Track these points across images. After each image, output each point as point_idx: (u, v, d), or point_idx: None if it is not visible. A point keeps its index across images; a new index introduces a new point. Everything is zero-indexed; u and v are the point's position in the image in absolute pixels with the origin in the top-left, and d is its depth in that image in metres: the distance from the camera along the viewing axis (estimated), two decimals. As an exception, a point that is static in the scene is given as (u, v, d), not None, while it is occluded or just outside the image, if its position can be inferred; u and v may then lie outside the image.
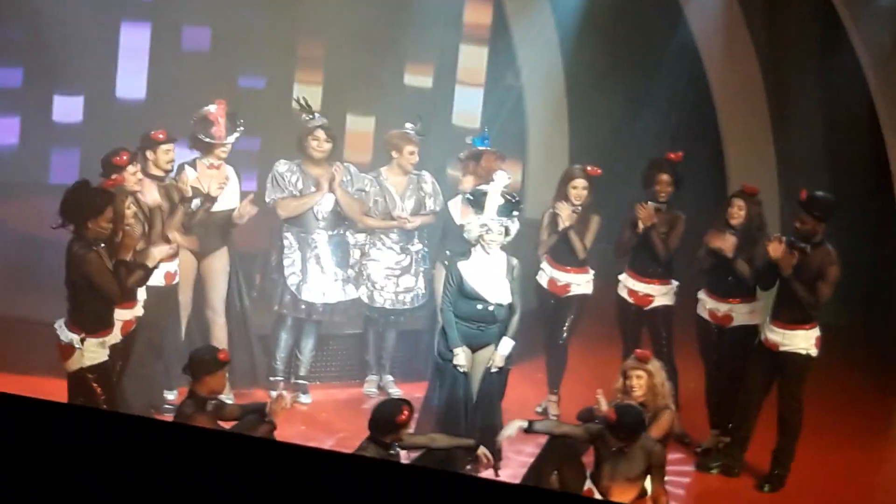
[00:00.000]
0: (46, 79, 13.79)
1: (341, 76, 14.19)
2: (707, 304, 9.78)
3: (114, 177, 8.81)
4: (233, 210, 9.87)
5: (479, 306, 8.99)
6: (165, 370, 9.75)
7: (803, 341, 9.26)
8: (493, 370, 9.02)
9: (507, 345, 9.01)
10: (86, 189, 8.23)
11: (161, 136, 9.40)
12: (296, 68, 14.39)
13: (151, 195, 9.28)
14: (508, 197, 9.06)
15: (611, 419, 8.11)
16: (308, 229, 10.15)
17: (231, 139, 9.78)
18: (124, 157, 9.00)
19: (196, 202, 9.65)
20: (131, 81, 14.13)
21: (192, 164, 9.81)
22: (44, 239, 10.14)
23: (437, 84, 14.58)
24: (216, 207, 9.79)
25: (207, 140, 9.72)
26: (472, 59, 14.65)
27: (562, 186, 10.15)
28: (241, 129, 9.84)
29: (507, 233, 9.03)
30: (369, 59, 13.92)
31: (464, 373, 8.97)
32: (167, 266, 9.37)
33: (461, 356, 8.98)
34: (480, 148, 10.25)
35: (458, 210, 10.17)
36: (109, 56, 13.92)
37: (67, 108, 14.11)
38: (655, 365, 8.78)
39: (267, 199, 10.13)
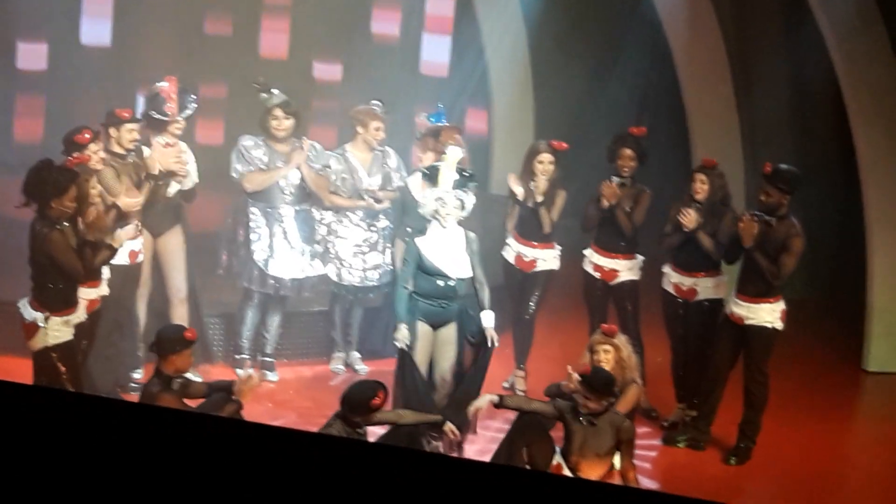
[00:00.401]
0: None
1: (308, 23, 14.17)
2: (672, 279, 9.81)
3: (76, 155, 8.76)
4: (189, 188, 9.82)
5: (440, 282, 8.98)
6: (131, 349, 9.72)
7: (768, 315, 9.29)
8: (496, 345, 9.00)
9: (489, 317, 9.01)
10: (49, 168, 8.20)
11: (126, 114, 9.34)
12: (261, 14, 14.34)
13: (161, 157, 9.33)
14: (462, 170, 9.06)
15: (586, 372, 8.18)
16: (274, 204, 10.12)
17: (185, 115, 9.71)
18: (87, 136, 8.95)
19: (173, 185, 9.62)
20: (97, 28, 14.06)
21: (148, 143, 9.73)
22: (8, 218, 10.07)
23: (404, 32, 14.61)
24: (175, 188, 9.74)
25: (161, 117, 9.65)
26: (440, 6, 14.67)
27: (527, 162, 10.13)
28: (195, 104, 9.78)
29: (462, 206, 9.01)
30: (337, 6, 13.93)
31: (409, 351, 8.92)
32: (131, 244, 9.34)
33: (402, 330, 8.94)
34: (438, 124, 10.23)
35: (417, 186, 10.16)
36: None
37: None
38: (622, 339, 8.82)
39: (233, 174, 10.07)
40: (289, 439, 4.80)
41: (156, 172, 9.45)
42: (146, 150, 9.62)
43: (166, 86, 9.66)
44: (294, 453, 4.62)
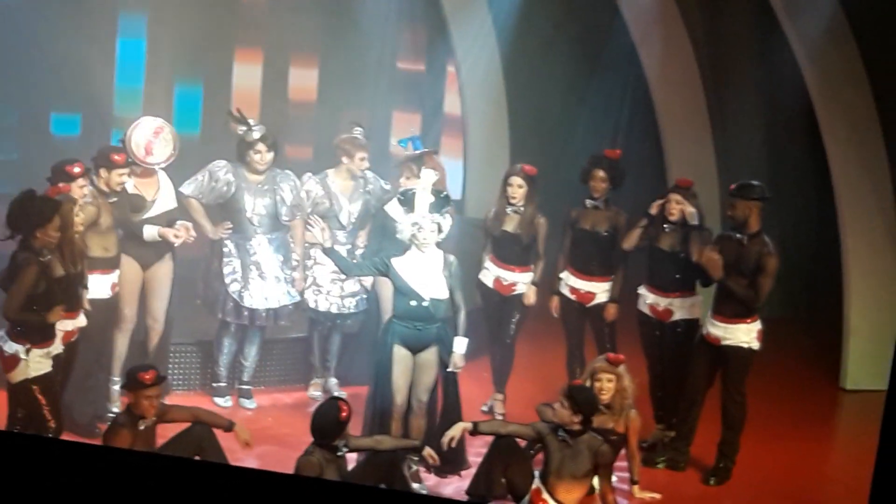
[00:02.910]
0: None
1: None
2: (647, 299, 9.83)
3: (60, 185, 8.77)
4: (171, 211, 9.81)
5: (413, 302, 8.95)
6: (107, 381, 9.68)
7: (745, 335, 9.31)
8: (456, 370, 9.01)
9: (461, 344, 8.98)
10: (32, 198, 8.21)
11: (118, 158, 9.31)
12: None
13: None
14: (438, 192, 9.06)
15: (573, 385, 8.40)
16: (246, 235, 10.10)
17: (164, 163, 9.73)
18: (77, 170, 8.95)
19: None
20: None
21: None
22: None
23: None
24: (156, 211, 9.74)
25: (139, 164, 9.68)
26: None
27: (502, 185, 10.17)
28: (174, 152, 9.77)
29: (439, 230, 9.00)
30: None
31: (391, 367, 8.97)
32: (110, 277, 9.32)
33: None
34: (417, 151, 10.22)
35: (397, 211, 10.16)
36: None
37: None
38: (623, 368, 8.93)
39: (182, 189, 10.01)
40: (266, 481, 4.80)
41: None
42: (129, 182, 9.62)
43: (143, 141, 9.68)
44: (273, 495, 4.62)
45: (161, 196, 9.79)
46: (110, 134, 13.22)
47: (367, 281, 10.40)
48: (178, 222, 9.75)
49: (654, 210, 9.73)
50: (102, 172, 9.31)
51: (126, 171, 9.38)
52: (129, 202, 9.61)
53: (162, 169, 9.79)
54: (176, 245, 9.76)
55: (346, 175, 10.35)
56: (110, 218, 9.30)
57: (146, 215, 9.71)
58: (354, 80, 14.28)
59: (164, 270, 9.86)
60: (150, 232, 9.67)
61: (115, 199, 9.36)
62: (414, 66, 14.93)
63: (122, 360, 9.77)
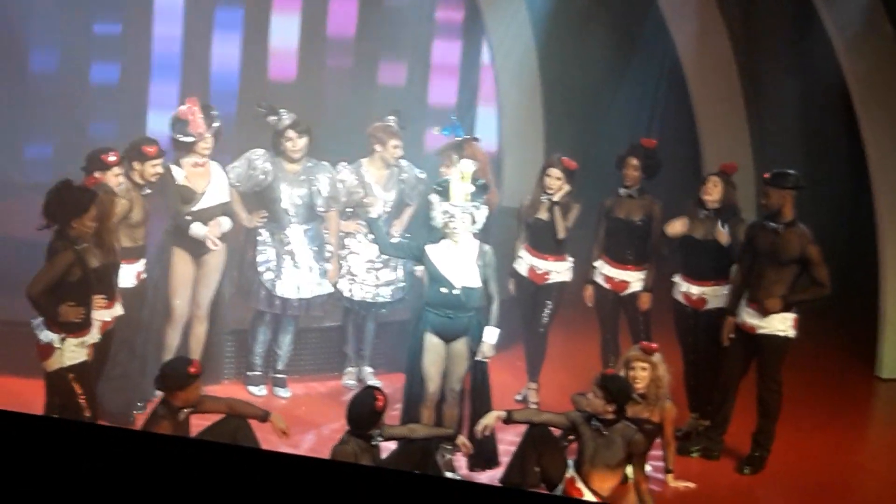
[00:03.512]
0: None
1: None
2: (681, 288, 9.80)
3: (97, 175, 8.81)
4: (225, 204, 9.83)
5: (444, 290, 8.95)
6: (142, 370, 9.68)
7: (780, 323, 9.27)
8: (485, 360, 9.01)
9: (492, 334, 8.98)
10: (69, 188, 8.24)
11: (151, 150, 9.31)
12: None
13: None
14: (476, 181, 9.04)
15: (607, 374, 8.42)
16: (281, 225, 10.11)
17: (211, 132, 9.70)
18: (114, 158, 8.99)
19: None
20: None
21: (178, 163, 9.75)
22: (18, 238, 10.12)
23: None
24: (207, 204, 9.76)
25: (186, 139, 9.66)
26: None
27: (540, 174, 10.15)
28: (218, 121, 9.77)
29: (473, 220, 8.99)
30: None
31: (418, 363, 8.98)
32: (136, 267, 9.34)
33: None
34: (458, 138, 10.18)
35: (434, 199, 10.16)
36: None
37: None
38: (659, 357, 8.90)
39: (230, 176, 10.04)
40: (300, 466, 4.81)
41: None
42: (179, 172, 9.65)
43: (186, 108, 9.68)
44: (307, 480, 4.63)
45: (212, 188, 9.79)
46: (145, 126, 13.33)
47: (402, 270, 10.42)
48: (210, 222, 9.77)
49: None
50: (136, 165, 9.31)
51: (159, 161, 9.39)
52: (178, 193, 9.64)
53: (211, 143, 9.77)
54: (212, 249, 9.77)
55: (380, 164, 10.35)
56: (142, 212, 9.31)
57: (196, 207, 9.73)
58: (388, 67, 14.29)
59: (216, 260, 9.88)
60: (197, 230, 9.67)
61: (149, 190, 9.39)
62: (449, 53, 14.91)
63: (171, 351, 9.80)
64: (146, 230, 9.43)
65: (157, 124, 9.96)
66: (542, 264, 10.23)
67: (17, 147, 14.13)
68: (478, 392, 9.06)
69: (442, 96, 14.77)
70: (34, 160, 13.97)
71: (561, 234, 10.07)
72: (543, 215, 10.13)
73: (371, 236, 10.06)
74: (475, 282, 8.97)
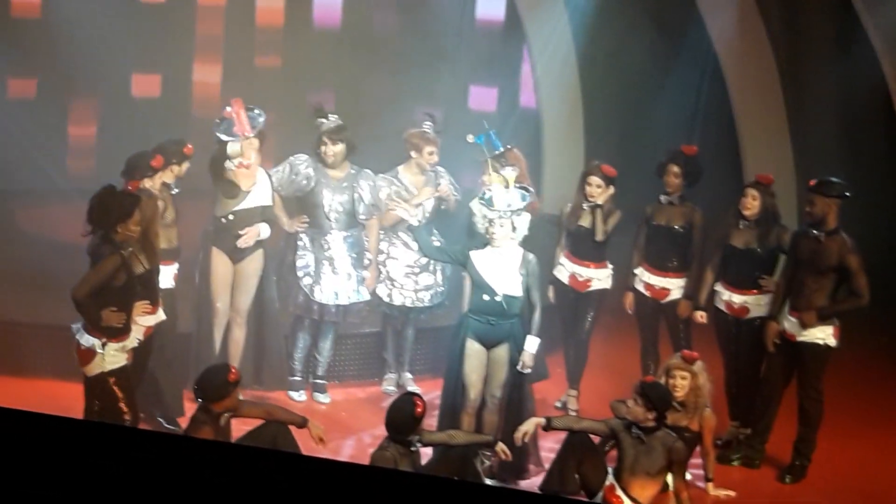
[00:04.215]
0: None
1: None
2: (723, 296, 9.76)
3: (140, 179, 8.88)
4: (266, 208, 9.86)
5: (486, 297, 8.95)
6: (185, 373, 9.73)
7: (821, 332, 9.22)
8: (526, 371, 9.00)
9: (532, 343, 8.97)
10: (113, 193, 8.29)
11: (190, 151, 9.41)
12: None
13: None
14: (521, 187, 9.03)
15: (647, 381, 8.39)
16: (322, 230, 10.13)
17: (255, 132, 9.72)
18: (160, 161, 9.06)
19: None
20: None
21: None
22: (60, 242, 10.17)
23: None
24: (248, 205, 9.78)
25: (231, 139, 9.69)
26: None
27: (580, 182, 10.14)
28: (263, 121, 9.80)
29: (513, 227, 8.99)
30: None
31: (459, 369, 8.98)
32: (172, 269, 9.40)
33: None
34: (497, 151, 10.15)
35: (477, 206, 10.17)
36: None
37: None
38: (700, 365, 8.86)
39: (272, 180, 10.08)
40: (340, 471, 4.82)
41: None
42: (229, 164, 9.68)
43: (230, 108, 9.72)
44: (346, 485, 4.64)
45: (256, 190, 9.81)
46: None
47: (441, 275, 10.42)
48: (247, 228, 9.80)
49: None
50: (174, 166, 9.37)
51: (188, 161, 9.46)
52: (221, 188, 9.67)
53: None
54: (242, 245, 9.80)
55: (416, 170, 10.36)
56: (174, 212, 9.37)
57: (237, 207, 9.76)
58: (428, 76, 14.28)
59: (253, 265, 9.91)
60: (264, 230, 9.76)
61: (177, 190, 9.42)
62: (489, 61, 14.90)
63: (214, 356, 9.84)
64: (178, 231, 9.47)
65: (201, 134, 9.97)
66: (584, 272, 10.21)
67: (61, 153, 14.26)
68: (517, 399, 9.04)
69: (482, 103, 14.76)
70: (78, 166, 14.07)
71: (599, 237, 10.04)
72: (585, 222, 10.11)
73: (412, 246, 10.13)
74: (517, 290, 8.96)
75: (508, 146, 10.24)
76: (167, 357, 9.45)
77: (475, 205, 10.12)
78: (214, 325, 9.91)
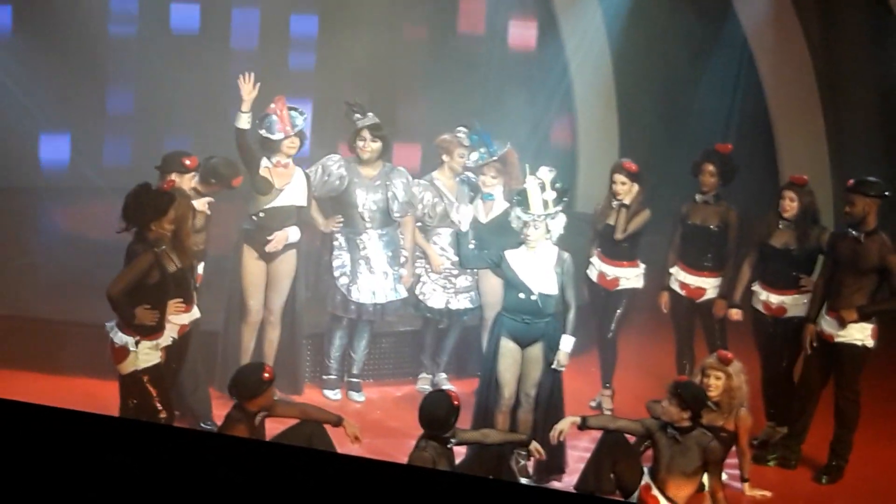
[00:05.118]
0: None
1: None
2: (761, 296, 9.72)
3: (174, 177, 8.91)
4: (300, 208, 9.86)
5: (522, 295, 8.93)
6: (211, 372, 9.76)
7: (859, 332, 9.17)
8: (560, 369, 8.98)
9: (568, 342, 8.95)
10: (148, 191, 8.30)
11: (193, 163, 9.36)
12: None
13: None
14: (554, 189, 8.99)
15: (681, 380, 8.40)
16: (357, 230, 10.14)
17: (296, 131, 9.71)
18: (195, 161, 9.09)
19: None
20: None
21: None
22: (94, 241, 10.19)
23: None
24: (281, 203, 9.79)
25: (272, 137, 9.70)
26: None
27: (610, 181, 10.13)
28: (304, 121, 9.80)
29: (547, 230, 8.96)
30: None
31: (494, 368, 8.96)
32: (198, 269, 9.40)
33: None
34: (496, 156, 10.11)
35: (481, 211, 10.18)
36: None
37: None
38: (736, 367, 8.83)
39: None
40: (375, 470, 4.82)
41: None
42: (265, 163, 9.69)
43: (273, 106, 9.73)
44: (381, 484, 4.63)
45: (290, 189, 9.81)
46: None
47: (476, 276, 10.41)
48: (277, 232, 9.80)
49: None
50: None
51: (192, 175, 9.43)
52: (254, 184, 9.69)
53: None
54: (268, 250, 9.81)
55: (449, 174, 10.38)
56: (203, 218, 9.37)
57: (270, 204, 9.77)
58: (464, 77, 14.29)
59: (286, 265, 9.91)
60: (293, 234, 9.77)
61: (211, 199, 9.43)
62: (525, 62, 14.90)
63: (248, 353, 9.88)
64: (206, 236, 9.48)
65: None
66: (612, 270, 10.19)
67: (97, 152, 14.32)
68: (551, 398, 9.02)
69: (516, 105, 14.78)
70: (113, 165, 14.12)
71: (618, 235, 10.03)
72: (612, 221, 10.10)
73: (448, 249, 10.14)
74: (552, 288, 8.95)
75: (506, 145, 10.20)
76: (193, 356, 9.48)
77: (480, 208, 10.14)
78: (245, 324, 9.91)
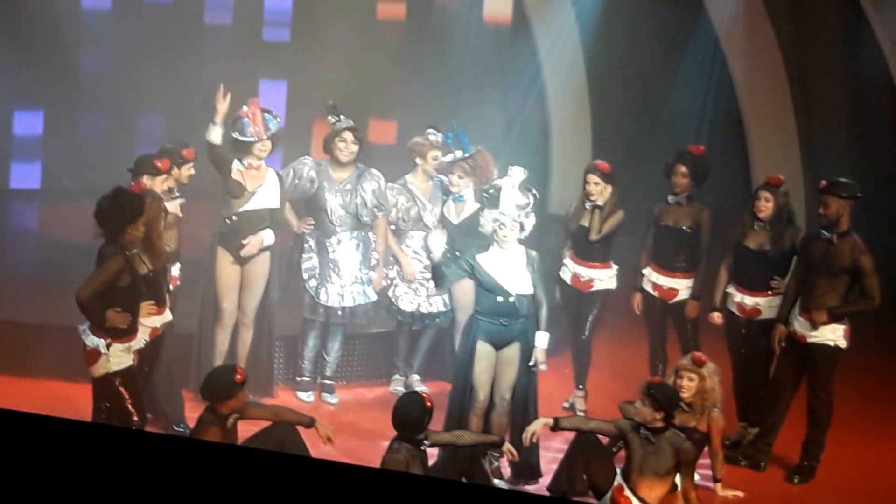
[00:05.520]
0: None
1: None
2: (735, 298, 9.74)
3: (145, 179, 8.87)
4: (273, 210, 9.83)
5: (500, 298, 8.92)
6: (186, 375, 9.73)
7: (831, 333, 9.20)
8: (541, 368, 8.97)
9: (543, 339, 8.94)
10: (123, 195, 8.25)
11: (190, 154, 9.41)
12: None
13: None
14: (527, 188, 9.01)
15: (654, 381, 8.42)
16: (326, 233, 10.13)
17: (269, 134, 9.69)
18: (167, 163, 9.07)
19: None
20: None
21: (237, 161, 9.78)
22: (62, 242, 10.14)
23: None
24: (254, 206, 9.76)
25: (245, 139, 9.68)
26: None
27: (583, 182, 10.14)
28: (279, 124, 9.79)
29: (521, 228, 8.97)
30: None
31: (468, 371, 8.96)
32: (172, 271, 9.37)
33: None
34: (466, 155, 10.11)
35: (452, 212, 10.17)
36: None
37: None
38: (710, 368, 8.85)
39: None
40: (347, 474, 4.81)
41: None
42: (236, 166, 9.67)
43: (246, 108, 9.70)
44: (351, 487, 4.63)
45: (262, 191, 9.78)
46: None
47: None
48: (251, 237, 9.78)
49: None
50: (173, 169, 9.37)
51: (191, 164, 9.45)
52: (227, 187, 9.67)
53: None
54: (243, 254, 9.79)
55: (422, 177, 10.37)
56: (173, 216, 9.33)
57: (243, 208, 9.74)
58: (436, 80, 14.29)
59: (260, 267, 9.89)
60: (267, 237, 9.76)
61: (179, 196, 9.40)
62: (496, 63, 14.90)
63: (222, 355, 9.85)
64: (178, 234, 9.45)
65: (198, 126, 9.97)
66: (586, 272, 10.21)
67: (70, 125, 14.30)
68: (526, 399, 9.02)
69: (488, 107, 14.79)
70: (83, 164, 14.07)
71: (592, 236, 10.04)
72: (585, 222, 10.11)
73: (421, 253, 10.14)
74: (528, 288, 8.94)
75: (478, 147, 10.19)
76: (167, 358, 9.44)
77: (451, 208, 10.13)
78: (219, 326, 9.89)
